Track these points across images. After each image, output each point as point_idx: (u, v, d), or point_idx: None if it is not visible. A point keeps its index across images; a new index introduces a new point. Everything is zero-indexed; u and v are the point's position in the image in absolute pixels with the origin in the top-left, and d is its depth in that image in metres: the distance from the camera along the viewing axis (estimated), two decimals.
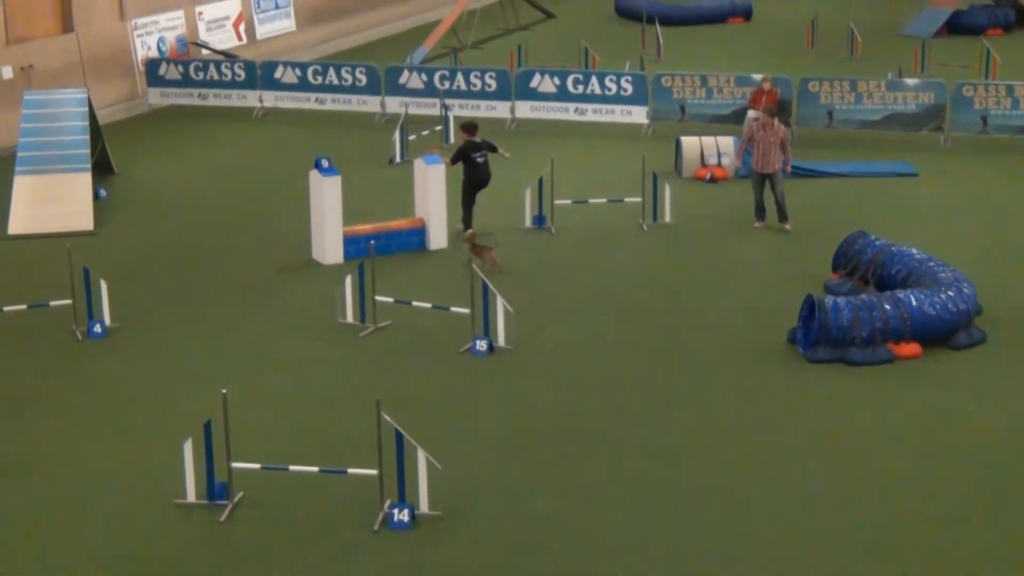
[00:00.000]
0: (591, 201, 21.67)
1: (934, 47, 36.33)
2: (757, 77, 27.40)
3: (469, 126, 20.35)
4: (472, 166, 20.06)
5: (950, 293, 15.86)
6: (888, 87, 26.80)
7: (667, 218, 21.09)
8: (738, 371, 15.24)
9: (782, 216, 20.73)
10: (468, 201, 20.20)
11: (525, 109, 28.52)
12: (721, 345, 16.04)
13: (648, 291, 18.10)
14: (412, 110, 27.99)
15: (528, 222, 20.97)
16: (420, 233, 19.81)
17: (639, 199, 21.18)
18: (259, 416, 14.01)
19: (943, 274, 16.41)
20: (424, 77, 29.05)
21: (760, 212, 20.91)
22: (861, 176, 23.99)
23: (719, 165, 23.94)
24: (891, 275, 16.99)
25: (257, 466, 12.25)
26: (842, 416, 14.02)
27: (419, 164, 19.92)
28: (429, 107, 28.32)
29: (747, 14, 45.28)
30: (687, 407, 14.29)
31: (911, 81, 27.26)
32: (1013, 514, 11.96)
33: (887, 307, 15.55)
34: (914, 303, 15.62)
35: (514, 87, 28.51)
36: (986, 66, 32.71)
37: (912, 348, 15.47)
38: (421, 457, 11.75)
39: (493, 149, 20.37)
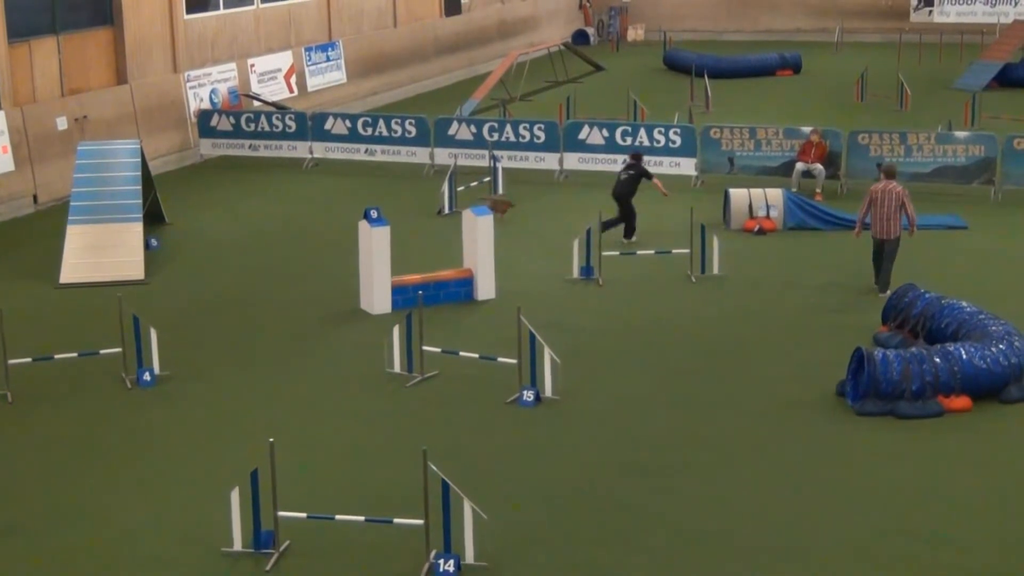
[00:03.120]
0: (639, 252, 21.67)
1: (984, 100, 36.20)
2: (806, 129, 27.38)
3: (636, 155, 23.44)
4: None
5: (1001, 347, 15.73)
6: (938, 140, 26.70)
7: (715, 270, 21.06)
8: (787, 424, 15.15)
9: (882, 285, 19.86)
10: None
11: (573, 161, 28.59)
12: (770, 398, 15.95)
13: (696, 343, 18.04)
14: (461, 161, 28.14)
15: (576, 273, 20.98)
16: (468, 284, 19.86)
17: (687, 251, 21.17)
18: (306, 465, 14.04)
19: (993, 327, 16.28)
20: (473, 129, 29.20)
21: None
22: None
23: (767, 217, 23.90)
24: (941, 328, 16.88)
25: (303, 515, 12.27)
26: (893, 470, 13.89)
27: (468, 215, 19.99)
28: (478, 158, 28.45)
29: (796, 67, 45.27)
30: (737, 461, 14.20)
31: (961, 134, 27.15)
32: None
33: (937, 360, 15.43)
34: (964, 356, 15.50)
35: (563, 139, 28.61)
36: None
37: (962, 402, 15.34)
38: (467, 508, 11.73)
39: (647, 176, 22.97)
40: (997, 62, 41.34)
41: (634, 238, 23.03)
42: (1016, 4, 51.41)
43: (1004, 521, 12.73)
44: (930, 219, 24.21)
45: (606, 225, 22.49)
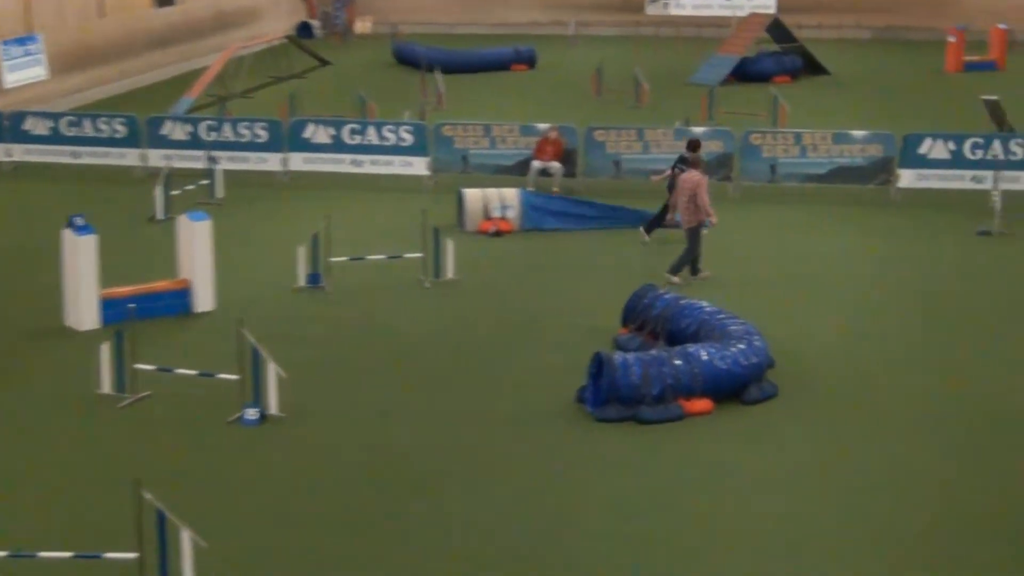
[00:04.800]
0: (369, 258, 21.65)
1: (722, 95, 37.48)
2: (542, 126, 27.85)
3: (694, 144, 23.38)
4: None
5: (741, 346, 16.28)
6: (676, 136, 27.50)
7: (450, 274, 21.20)
8: (528, 434, 15.34)
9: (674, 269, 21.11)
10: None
11: (298, 161, 28.40)
12: (509, 407, 16.13)
13: (431, 351, 18.12)
14: (176, 163, 27.62)
15: (302, 281, 20.82)
16: (185, 295, 19.49)
17: (420, 255, 21.25)
18: (6, 499, 13.52)
19: (733, 327, 16.84)
20: (189, 128, 28.73)
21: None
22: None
23: (503, 218, 24.19)
24: (681, 329, 17.36)
25: (3, 553, 11.82)
26: (632, 477, 14.21)
27: (184, 221, 19.62)
28: (195, 160, 27.96)
29: (531, 61, 46.02)
30: (474, 475, 14.30)
31: (698, 129, 28.04)
32: (808, 567, 12.27)
33: (677, 362, 15.87)
34: (705, 357, 15.98)
35: (287, 138, 28.38)
36: (774, 114, 33.83)
37: (703, 404, 15.81)
38: (185, 537, 11.48)
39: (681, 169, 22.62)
40: (734, 56, 42.86)
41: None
42: None
43: (739, 525, 13.16)
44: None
45: (652, 224, 23.52)
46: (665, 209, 23.49)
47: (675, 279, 20.82)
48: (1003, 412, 16.04)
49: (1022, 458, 14.73)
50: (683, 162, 22.87)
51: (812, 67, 44.30)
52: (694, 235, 21.04)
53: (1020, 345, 18.47)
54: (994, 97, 32.50)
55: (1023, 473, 14.37)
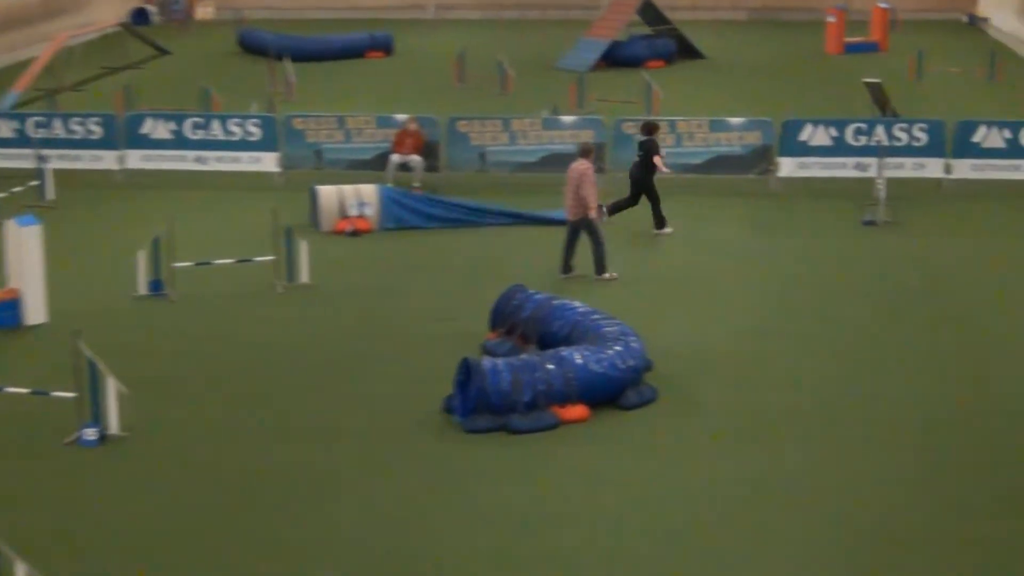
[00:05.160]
0: (216, 262, 21.45)
1: (592, 80, 37.74)
2: (401, 117, 27.81)
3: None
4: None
5: (617, 348, 16.40)
6: (544, 125, 27.64)
7: (304, 278, 21.08)
8: (389, 449, 15.29)
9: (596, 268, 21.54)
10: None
11: (136, 159, 28.05)
12: (372, 419, 16.08)
13: (287, 361, 18.00)
14: (1, 163, 27.12)
15: (143, 289, 20.56)
16: (14, 306, 19.16)
17: (272, 258, 21.10)
18: None
19: (608, 328, 16.95)
20: (15, 124, 28.25)
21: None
22: (520, 223, 24.58)
23: (361, 216, 24.11)
24: (553, 332, 17.44)
25: None
26: (506, 490, 14.24)
27: (10, 226, 19.28)
28: (21, 159, 27.50)
29: (388, 48, 45.98)
30: (335, 494, 14.22)
31: (568, 118, 28.22)
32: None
33: (550, 367, 15.93)
34: (579, 361, 16.07)
35: (123, 133, 28.02)
36: (648, 101, 34.14)
37: (579, 411, 15.90)
38: (20, 570, 11.27)
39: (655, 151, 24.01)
40: (604, 39, 43.17)
41: (667, 229, 24.20)
42: None
43: (619, 538, 13.25)
44: (540, 213, 24.97)
45: (613, 209, 24.23)
46: (638, 199, 24.40)
47: (607, 276, 21.23)
48: (894, 411, 16.37)
49: (912, 460, 15.03)
50: (650, 144, 24.02)
51: (687, 51, 44.83)
52: (590, 226, 21.22)
53: (909, 339, 18.84)
54: (876, 80, 33.17)
55: (911, 474, 14.67)
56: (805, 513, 13.75)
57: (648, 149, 24.13)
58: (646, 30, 45.77)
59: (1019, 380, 17.38)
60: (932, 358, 18.16)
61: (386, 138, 27.58)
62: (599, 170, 27.13)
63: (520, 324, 17.84)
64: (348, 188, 24.55)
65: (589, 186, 20.97)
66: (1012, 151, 27.23)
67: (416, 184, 26.84)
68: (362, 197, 24.33)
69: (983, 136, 27.27)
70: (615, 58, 42.85)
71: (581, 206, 21.10)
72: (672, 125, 27.56)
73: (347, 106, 32.78)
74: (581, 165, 21.17)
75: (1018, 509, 13.86)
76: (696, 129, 27.62)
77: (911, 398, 16.75)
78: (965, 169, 27.32)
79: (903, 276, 21.86)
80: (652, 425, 15.94)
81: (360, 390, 17.03)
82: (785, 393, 16.95)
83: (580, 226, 21.29)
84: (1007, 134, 27.26)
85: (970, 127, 27.42)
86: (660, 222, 24.25)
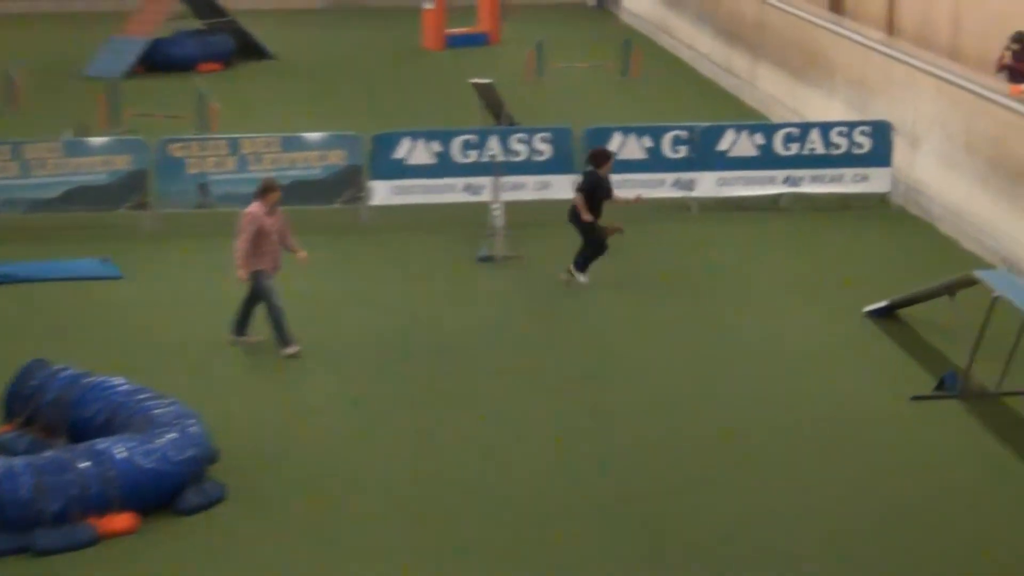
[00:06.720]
0: None
1: (129, 91, 37.21)
2: None
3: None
4: None
5: (171, 436, 16.24)
6: (67, 151, 27.12)
7: None
8: None
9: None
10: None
11: None
12: None
13: None
14: None
15: None
16: None
17: None
18: None
19: (159, 410, 16.77)
20: None
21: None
22: (50, 280, 24.12)
23: None
24: (88, 418, 17.12)
25: None
26: None
27: None
28: None
29: None
30: None
31: (98, 141, 27.79)
32: None
33: (84, 465, 15.65)
34: (121, 455, 15.83)
35: None
36: (202, 114, 33.92)
37: (124, 520, 15.68)
38: None
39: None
40: (141, 38, 42.67)
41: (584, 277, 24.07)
42: None
43: None
44: (68, 267, 24.51)
45: (582, 264, 24.05)
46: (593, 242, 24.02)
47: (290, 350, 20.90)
48: (507, 488, 16.78)
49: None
50: (588, 178, 23.94)
51: (250, 49, 44.78)
52: (259, 288, 21.02)
53: (537, 407, 19.30)
54: (488, 80, 33.85)
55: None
56: None
57: (591, 184, 23.90)
58: (197, 24, 45.52)
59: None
60: (548, 429, 18.76)
61: None
62: (139, 206, 26.89)
63: (43, 411, 17.46)
64: None
65: (243, 235, 20.69)
66: (653, 163, 28.16)
67: None
68: None
69: (619, 144, 27.89)
70: (158, 61, 42.42)
71: (256, 258, 20.80)
72: (234, 144, 27.39)
73: None
74: (251, 209, 20.79)
75: None
76: (265, 149, 27.51)
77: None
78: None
79: (521, 324, 22.32)
80: (219, 530, 15.86)
81: None
82: (374, 473, 17.32)
83: (250, 283, 21.04)
84: (647, 142, 28.15)
85: (602, 135, 28.10)
86: (579, 265, 24.17)
